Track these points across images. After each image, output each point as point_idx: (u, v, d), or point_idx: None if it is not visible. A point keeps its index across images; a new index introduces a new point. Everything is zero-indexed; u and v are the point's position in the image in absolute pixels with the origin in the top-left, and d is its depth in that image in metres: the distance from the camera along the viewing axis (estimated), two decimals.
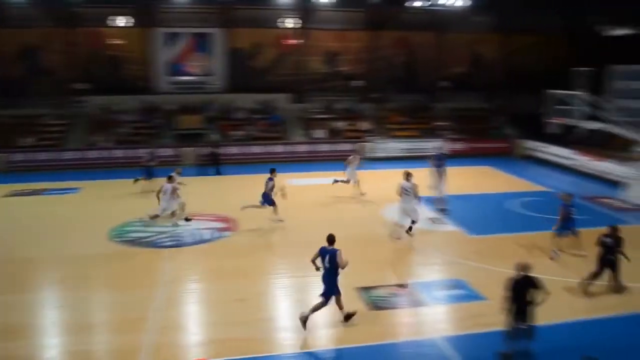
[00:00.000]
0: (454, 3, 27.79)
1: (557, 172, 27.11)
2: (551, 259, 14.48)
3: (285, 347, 10.23)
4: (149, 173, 21.97)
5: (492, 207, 20.15)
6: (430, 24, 32.99)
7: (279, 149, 28.79)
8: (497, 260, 14.16)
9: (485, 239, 16.53)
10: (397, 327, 11.11)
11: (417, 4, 28.60)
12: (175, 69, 31.13)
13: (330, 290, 10.74)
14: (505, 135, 31.79)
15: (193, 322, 11.47)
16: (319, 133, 30.01)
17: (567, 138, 27.77)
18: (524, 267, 9.69)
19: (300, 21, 31.50)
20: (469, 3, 28.58)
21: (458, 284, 12.95)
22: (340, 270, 10.67)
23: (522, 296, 9.63)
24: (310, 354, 10.04)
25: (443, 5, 28.40)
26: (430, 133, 30.81)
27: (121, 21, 30.22)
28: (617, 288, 12.50)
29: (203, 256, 15.03)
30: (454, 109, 33.63)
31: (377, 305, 11.83)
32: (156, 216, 17.21)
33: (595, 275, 12.38)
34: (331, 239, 10.81)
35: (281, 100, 31.66)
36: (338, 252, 10.62)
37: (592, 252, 12.81)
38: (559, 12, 31.39)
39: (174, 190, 17.24)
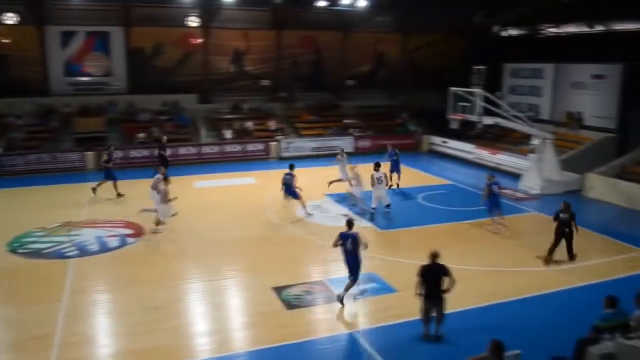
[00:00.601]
0: (355, 2, 28.32)
1: (460, 165, 28.43)
2: (496, 233, 16.75)
3: (202, 353, 10.04)
4: (108, 175, 20.82)
5: (400, 202, 20.78)
6: (335, 23, 33.51)
7: (187, 150, 28.07)
8: (407, 253, 14.66)
9: (395, 232, 17.06)
10: (313, 325, 11.20)
11: (321, 4, 28.90)
12: (73, 69, 29.56)
13: (356, 270, 11.68)
14: (410, 131, 32.85)
15: (104, 334, 10.93)
16: (228, 133, 29.62)
17: (468, 133, 29.21)
18: (435, 255, 10.21)
19: (205, 20, 30.92)
20: (371, 3, 29.23)
21: (371, 277, 13.25)
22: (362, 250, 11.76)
23: (434, 283, 10.10)
24: (227, 357, 9.89)
25: (347, 5, 28.88)
26: (339, 131, 31.32)
27: (11, 18, 28.26)
28: (571, 257, 14.40)
29: (110, 265, 14.39)
30: (361, 106, 34.40)
31: (292, 303, 11.88)
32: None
33: (554, 247, 14.27)
34: (350, 224, 11.83)
35: (188, 101, 30.91)
36: (358, 235, 11.67)
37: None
38: (451, 13, 32.98)
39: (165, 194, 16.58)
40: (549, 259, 14.25)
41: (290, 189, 18.45)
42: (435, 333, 10.36)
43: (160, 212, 16.60)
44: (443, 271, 10.14)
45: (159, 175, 17.36)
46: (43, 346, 10.11)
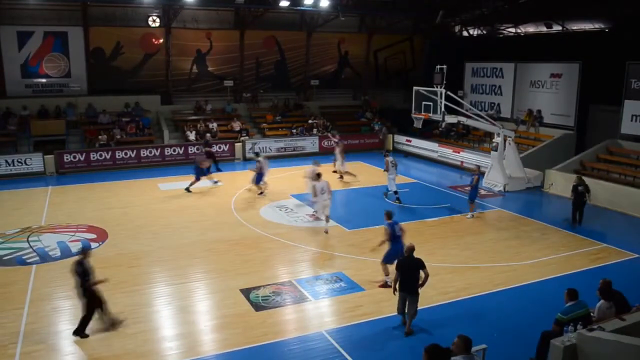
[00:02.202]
0: (319, 3, 28.28)
1: (424, 164, 28.73)
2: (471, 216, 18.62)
3: (170, 357, 9.90)
4: (201, 171, 22.06)
5: (366, 201, 20.90)
6: (298, 23, 33.48)
7: (149, 152, 27.60)
8: (374, 252, 14.70)
9: (362, 231, 17.08)
10: (282, 325, 11.14)
11: (284, 4, 28.75)
12: (31, 70, 28.77)
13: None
14: (375, 130, 33.04)
15: (68, 342, 10.61)
16: (192, 135, 29.26)
17: (432, 132, 29.60)
18: (411, 249, 10.53)
19: (166, 20, 30.46)
20: (334, 3, 29.23)
21: (338, 277, 13.29)
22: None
23: (411, 276, 10.25)
24: None
25: (310, 5, 28.82)
26: (304, 131, 31.29)
27: None
28: (580, 223, 17.49)
29: None
30: (326, 106, 34.49)
31: (261, 305, 11.83)
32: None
33: (574, 213, 17.54)
34: (390, 214, 12.83)
35: (150, 102, 30.43)
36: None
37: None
38: (414, 14, 33.34)
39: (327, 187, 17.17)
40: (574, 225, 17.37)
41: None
42: (406, 329, 10.47)
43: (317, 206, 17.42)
44: (419, 265, 10.31)
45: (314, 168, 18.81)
46: (4, 355, 9.82)
